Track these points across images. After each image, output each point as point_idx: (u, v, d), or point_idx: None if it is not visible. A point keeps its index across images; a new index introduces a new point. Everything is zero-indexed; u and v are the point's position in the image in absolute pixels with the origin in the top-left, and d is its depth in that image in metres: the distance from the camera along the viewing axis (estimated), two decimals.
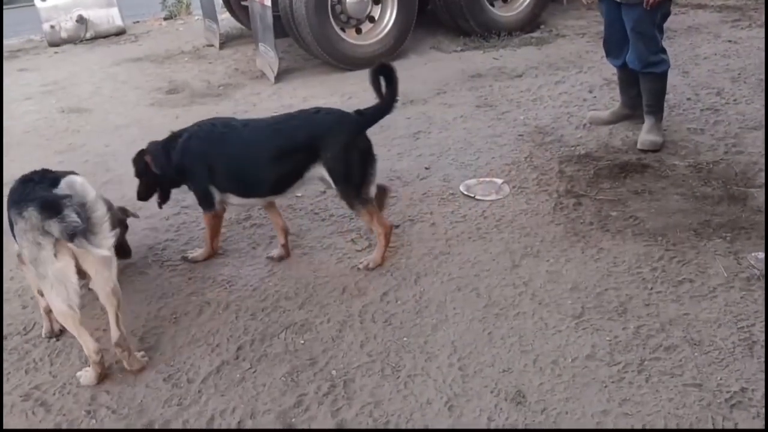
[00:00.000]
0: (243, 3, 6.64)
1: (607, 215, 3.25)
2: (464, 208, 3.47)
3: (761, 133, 3.95)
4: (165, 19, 9.26)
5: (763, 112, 4.25)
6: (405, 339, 2.55)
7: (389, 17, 6.21)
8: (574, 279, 2.80)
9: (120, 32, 8.53)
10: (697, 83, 4.88)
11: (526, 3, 6.78)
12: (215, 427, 2.24)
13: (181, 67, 6.80)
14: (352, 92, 5.44)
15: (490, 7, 6.64)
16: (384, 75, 2.90)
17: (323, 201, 3.66)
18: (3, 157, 4.54)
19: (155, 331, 2.73)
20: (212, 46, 7.41)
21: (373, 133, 4.49)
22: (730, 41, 5.83)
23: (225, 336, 2.66)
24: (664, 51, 3.88)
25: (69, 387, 2.47)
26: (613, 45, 4.03)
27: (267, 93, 5.68)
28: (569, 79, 5.25)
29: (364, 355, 2.48)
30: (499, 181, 3.69)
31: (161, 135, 4.60)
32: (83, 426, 2.30)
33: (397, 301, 2.78)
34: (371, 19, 6.23)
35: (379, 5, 6.22)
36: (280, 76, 5.95)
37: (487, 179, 3.73)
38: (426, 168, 3.97)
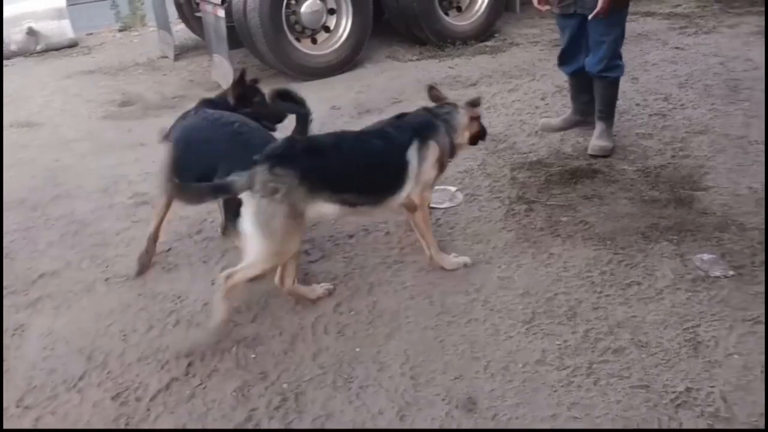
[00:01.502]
0: (197, 14, 6.57)
1: (558, 221, 3.29)
2: None
3: (707, 137, 4.05)
4: (119, 30, 9.11)
5: (708, 116, 4.37)
6: (357, 350, 2.54)
7: (344, 27, 6.21)
8: (525, 284, 2.83)
9: (72, 44, 8.36)
10: (646, 89, 4.98)
11: (480, 12, 6.86)
12: None
13: (135, 79, 6.70)
14: (307, 102, 5.40)
15: (445, 17, 6.69)
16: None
17: None
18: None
19: (102, 349, 2.67)
20: (167, 57, 7.32)
21: None
22: (677, 48, 5.98)
23: (175, 352, 2.62)
24: (621, 57, 3.96)
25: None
26: (570, 55, 4.10)
27: None
28: (522, 87, 5.32)
29: (316, 368, 2.47)
30: (453, 188, 3.71)
31: (113, 148, 4.54)
32: None
33: (350, 311, 2.77)
34: (326, 29, 6.23)
35: (335, 15, 6.22)
36: None
37: (441, 187, 3.73)
38: None
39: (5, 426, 2.32)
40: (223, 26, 5.68)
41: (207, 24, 6.13)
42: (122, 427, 2.28)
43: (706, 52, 5.75)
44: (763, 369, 2.25)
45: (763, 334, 2.42)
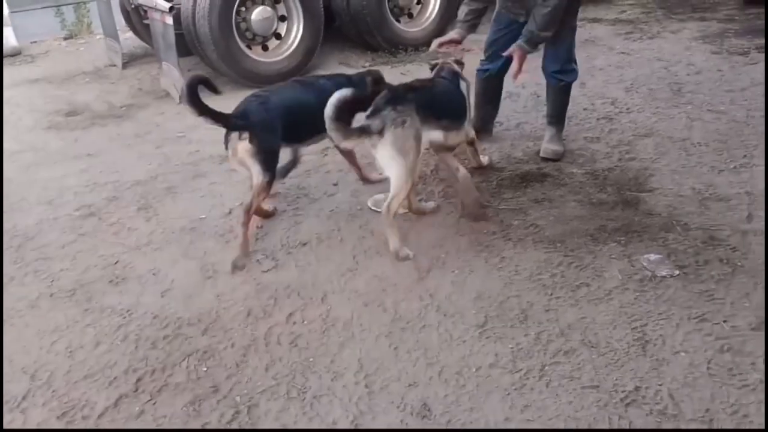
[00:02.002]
0: (145, 21, 6.46)
1: (510, 224, 3.33)
2: (372, 223, 3.47)
3: (651, 140, 4.16)
4: (65, 38, 8.88)
5: (653, 119, 4.48)
6: (311, 359, 2.51)
7: (296, 34, 6.19)
8: (478, 288, 2.85)
9: (15, 53, 8.11)
10: (594, 93, 5.09)
11: (431, 19, 6.92)
12: None
13: (82, 88, 6.54)
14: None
15: (396, 23, 6.73)
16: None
17: (228, 221, 3.58)
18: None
19: (48, 367, 2.58)
20: (115, 65, 7.16)
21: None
22: (623, 53, 6.13)
23: (123, 368, 2.55)
24: (576, 62, 4.03)
25: None
26: (498, 49, 4.02)
27: (171, 113, 5.53)
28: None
29: (269, 379, 2.43)
30: None
31: (59, 159, 4.42)
32: None
33: (303, 321, 2.74)
34: (278, 36, 6.19)
35: (286, 22, 6.19)
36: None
37: None
38: (334, 184, 3.95)
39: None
40: (171, 34, 5.59)
41: (155, 32, 6.03)
42: None
43: (650, 56, 5.91)
44: (709, 365, 2.31)
45: (709, 331, 2.48)
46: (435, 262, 3.06)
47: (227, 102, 5.57)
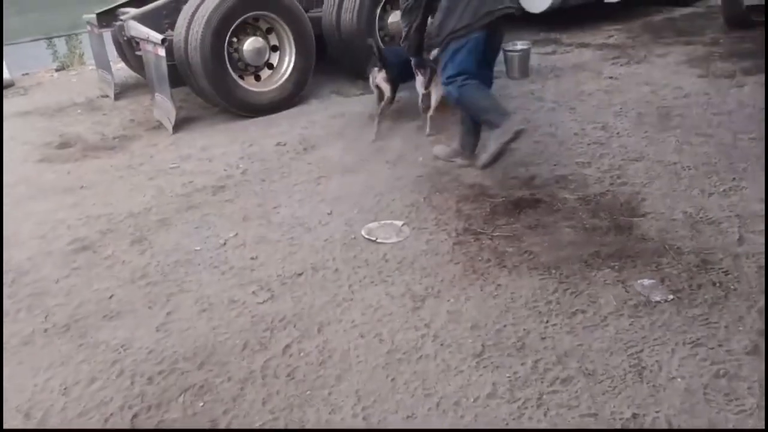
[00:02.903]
0: (137, 53, 6.50)
1: (504, 251, 3.34)
2: (366, 252, 3.48)
3: (642, 164, 4.20)
4: (57, 70, 8.93)
5: (643, 144, 4.53)
6: (308, 392, 2.50)
7: (288, 64, 6.23)
8: (474, 317, 2.85)
9: (8, 85, 8.14)
10: (584, 118, 5.14)
11: None
12: None
13: (74, 120, 6.55)
14: (252, 139, 5.40)
15: None
16: None
17: (223, 253, 3.58)
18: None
19: (42, 405, 2.56)
20: (107, 97, 7.20)
21: (273, 180, 4.51)
22: (611, 78, 6.20)
23: (119, 404, 2.53)
24: (451, 83, 4.07)
25: None
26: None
27: (164, 144, 5.55)
28: None
29: (266, 413, 2.42)
30: (400, 223, 3.73)
31: (51, 192, 4.43)
32: None
33: (300, 353, 2.73)
34: (270, 66, 6.24)
35: (278, 52, 6.24)
36: (178, 126, 5.84)
37: (388, 222, 3.76)
38: (328, 213, 3.97)
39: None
40: (164, 65, 5.63)
41: (148, 63, 6.07)
42: None
43: (638, 81, 5.98)
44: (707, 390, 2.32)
45: (704, 355, 2.49)
46: (430, 291, 3.07)
47: (223, 135, 5.63)
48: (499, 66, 6.48)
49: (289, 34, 6.16)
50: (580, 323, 2.75)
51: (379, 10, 6.57)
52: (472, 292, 3.04)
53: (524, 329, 2.74)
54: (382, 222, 3.78)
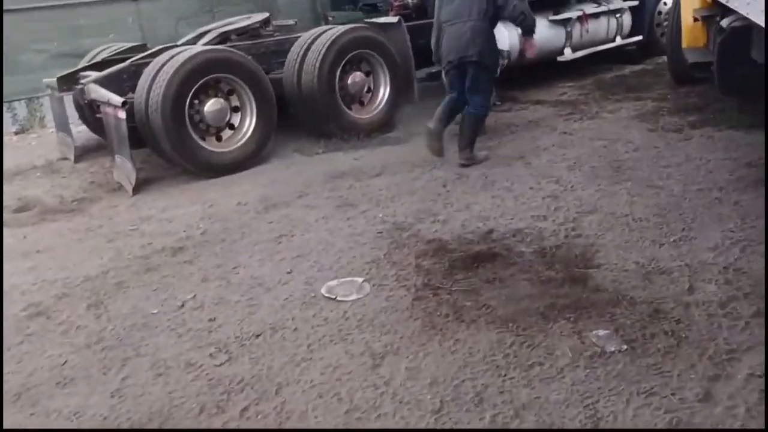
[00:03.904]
0: (98, 115, 6.51)
1: (462, 306, 3.37)
2: (326, 310, 3.48)
3: (596, 216, 4.31)
4: (16, 133, 8.86)
5: (596, 196, 4.65)
6: None
7: (249, 124, 6.30)
8: (433, 373, 2.85)
9: None
10: (539, 173, 5.28)
11: (381, 105, 7.15)
12: None
13: (33, 183, 6.49)
14: (213, 199, 5.41)
15: (348, 111, 6.92)
16: None
17: (181, 315, 3.55)
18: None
19: None
20: (67, 159, 7.15)
21: (233, 240, 4.50)
22: (565, 133, 6.40)
23: None
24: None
25: None
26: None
27: (124, 205, 5.53)
28: (425, 175, 5.52)
29: None
30: (360, 279, 3.75)
31: (6, 257, 4.37)
32: None
33: (257, 415, 2.69)
34: (231, 126, 6.30)
35: (239, 113, 6.32)
36: (139, 187, 5.82)
37: (348, 279, 3.78)
38: (288, 272, 3.96)
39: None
40: (124, 127, 5.65)
41: (108, 125, 6.08)
42: None
43: (591, 136, 6.19)
44: None
45: (658, 404, 2.52)
46: (390, 348, 3.07)
47: (184, 195, 5.62)
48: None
49: (251, 95, 6.26)
50: (537, 376, 2.77)
51: (339, 71, 6.73)
52: (431, 347, 3.05)
53: (482, 384, 2.75)
54: (343, 279, 3.79)
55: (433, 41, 5.88)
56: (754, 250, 3.62)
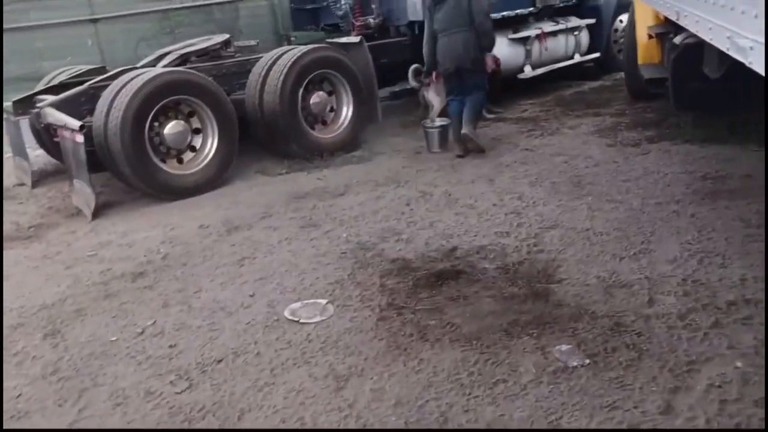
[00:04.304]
0: (56, 139, 6.39)
1: (426, 325, 3.36)
2: (289, 333, 3.43)
3: (557, 232, 4.35)
4: None
5: (557, 212, 4.71)
6: None
7: (211, 146, 6.24)
8: (397, 394, 2.83)
9: None
10: (501, 189, 5.33)
11: (345, 125, 7.15)
12: None
13: None
14: (175, 223, 5.33)
15: (311, 131, 6.91)
16: None
17: (141, 342, 3.47)
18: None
19: None
20: (24, 185, 7.01)
21: (195, 264, 4.43)
22: (527, 149, 6.48)
23: None
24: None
25: None
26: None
27: (83, 231, 5.41)
28: (388, 194, 5.52)
29: None
30: (323, 301, 3.72)
31: None
32: None
33: None
34: (192, 149, 6.24)
35: (200, 135, 6.26)
36: (98, 212, 5.71)
37: (312, 301, 3.74)
38: (251, 295, 3.91)
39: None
40: (82, 151, 5.55)
41: (66, 150, 5.96)
42: None
43: (552, 152, 6.27)
44: None
45: (620, 418, 2.54)
46: (354, 370, 3.04)
47: (145, 219, 5.53)
48: (420, 141, 6.71)
49: (212, 117, 6.22)
50: (502, 393, 2.77)
51: (301, 91, 6.73)
52: (396, 368, 3.03)
53: (447, 403, 2.74)
54: (306, 301, 3.75)
55: (425, 50, 6.59)
56: (711, 262, 3.69)
